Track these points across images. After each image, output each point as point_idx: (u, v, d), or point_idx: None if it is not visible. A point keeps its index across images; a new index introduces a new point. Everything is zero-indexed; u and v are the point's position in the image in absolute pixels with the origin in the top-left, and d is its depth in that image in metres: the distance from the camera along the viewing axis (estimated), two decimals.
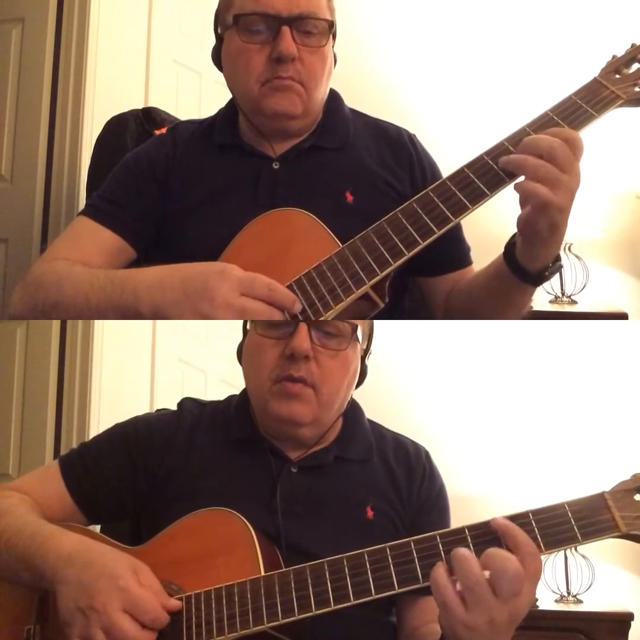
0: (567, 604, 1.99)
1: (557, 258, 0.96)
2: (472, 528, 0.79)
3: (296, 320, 0.93)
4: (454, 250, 1.16)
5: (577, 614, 1.93)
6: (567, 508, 0.78)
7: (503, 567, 0.72)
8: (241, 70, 1.06)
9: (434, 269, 1.15)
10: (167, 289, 0.91)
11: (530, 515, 0.78)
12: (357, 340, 0.99)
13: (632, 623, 1.88)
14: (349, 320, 0.96)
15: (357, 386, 1.04)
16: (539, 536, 0.77)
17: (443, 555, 0.78)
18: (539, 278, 0.96)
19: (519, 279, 0.96)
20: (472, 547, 0.77)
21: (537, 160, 0.87)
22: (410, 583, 0.79)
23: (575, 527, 0.77)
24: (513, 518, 0.78)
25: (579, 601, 2.00)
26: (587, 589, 2.00)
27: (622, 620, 1.88)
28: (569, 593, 2.00)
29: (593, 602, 1.99)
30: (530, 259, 0.94)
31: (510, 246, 0.97)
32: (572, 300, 2.32)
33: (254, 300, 0.89)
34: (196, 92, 2.47)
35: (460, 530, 0.79)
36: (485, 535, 0.77)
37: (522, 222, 0.90)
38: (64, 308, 0.98)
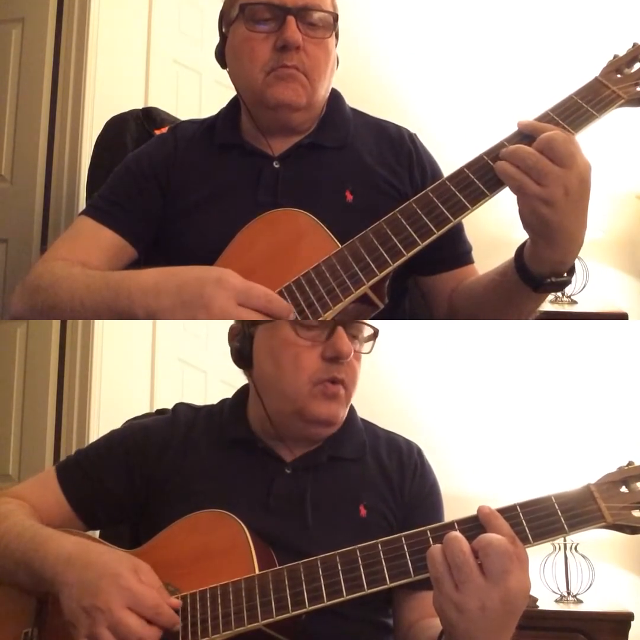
0: (567, 604, 1.99)
1: (569, 273, 0.93)
2: (462, 522, 0.80)
3: (333, 322, 0.94)
4: (453, 248, 1.15)
5: (577, 614, 1.93)
6: (554, 500, 0.80)
7: (488, 543, 0.74)
8: (246, 59, 1.06)
9: (433, 268, 1.15)
10: (162, 293, 0.90)
11: (518, 508, 0.80)
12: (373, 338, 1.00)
13: (632, 623, 1.88)
14: (369, 323, 0.98)
15: None
16: (526, 528, 0.78)
17: None
18: (540, 283, 0.93)
19: (521, 279, 0.94)
20: None
21: (528, 149, 0.86)
22: (401, 577, 0.80)
23: (562, 519, 0.78)
24: (501, 511, 0.79)
25: (579, 601, 2.00)
26: (587, 589, 2.00)
27: (622, 620, 1.88)
28: (569, 593, 2.00)
29: (593, 602, 1.99)
30: (534, 259, 0.92)
31: (524, 244, 0.95)
32: (572, 300, 2.32)
33: (250, 310, 0.88)
34: (196, 92, 2.47)
35: (450, 524, 0.81)
36: (474, 529, 0.78)
37: (519, 214, 0.89)
38: (61, 309, 0.98)
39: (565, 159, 0.85)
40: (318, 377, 0.95)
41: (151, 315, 0.90)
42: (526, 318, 1.04)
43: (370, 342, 1.00)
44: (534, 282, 0.93)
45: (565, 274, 0.93)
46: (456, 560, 0.74)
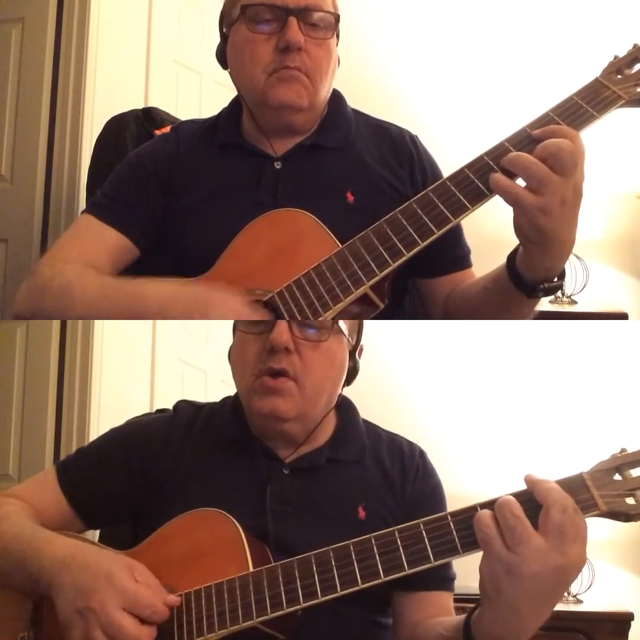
0: (567, 604, 1.99)
1: (561, 276, 0.94)
2: (454, 514, 0.80)
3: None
4: (452, 252, 1.15)
5: (577, 614, 1.94)
6: None
7: (555, 501, 0.73)
8: (247, 60, 1.06)
9: (432, 271, 1.15)
10: (176, 306, 0.93)
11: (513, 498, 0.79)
12: (341, 332, 0.98)
13: (632, 623, 1.89)
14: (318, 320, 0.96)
15: (348, 383, 1.04)
16: None
17: (427, 542, 0.80)
18: (534, 289, 0.94)
19: (514, 286, 0.95)
20: (455, 533, 0.79)
21: (530, 158, 0.86)
22: (395, 571, 0.80)
23: None
24: (495, 502, 0.77)
25: (579, 601, 2.00)
26: (587, 589, 2.00)
27: (622, 620, 1.89)
28: (569, 593, 2.00)
29: (593, 602, 1.99)
30: (527, 265, 0.93)
31: (516, 250, 0.96)
32: (572, 300, 2.33)
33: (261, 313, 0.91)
34: (196, 92, 2.47)
35: (443, 517, 0.81)
36: (467, 521, 0.78)
37: (513, 222, 0.90)
38: (72, 314, 0.99)
39: (567, 170, 0.85)
40: (258, 369, 0.95)
41: (163, 320, 0.92)
42: (519, 320, 1.04)
43: (337, 333, 0.98)
44: (527, 289, 0.94)
45: (556, 279, 0.94)
46: (508, 522, 0.73)
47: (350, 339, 1.01)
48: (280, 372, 0.94)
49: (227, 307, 0.90)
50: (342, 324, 0.98)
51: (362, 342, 1.05)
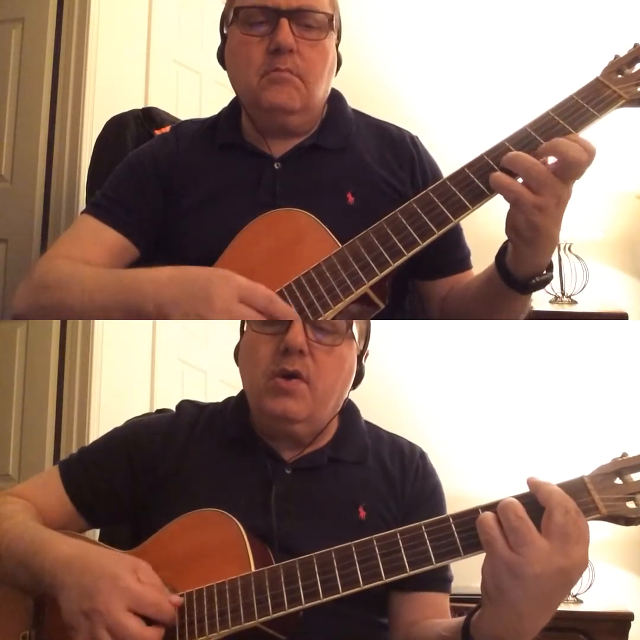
0: (567, 604, 1.99)
1: (549, 269, 0.96)
2: (456, 516, 0.80)
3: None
4: (452, 254, 1.15)
5: (577, 614, 1.93)
6: None
7: (563, 505, 0.73)
8: (241, 63, 1.07)
9: (432, 272, 1.15)
10: (172, 287, 0.92)
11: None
12: (353, 337, 0.99)
13: (632, 623, 1.89)
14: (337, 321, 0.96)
15: (354, 387, 1.04)
16: None
17: (429, 544, 0.80)
18: (526, 286, 0.95)
19: (506, 284, 0.96)
20: (456, 535, 0.79)
21: (531, 159, 0.87)
22: (397, 572, 0.80)
23: None
24: (497, 505, 0.77)
25: (579, 601, 2.00)
26: (587, 589, 2.00)
27: (622, 620, 1.88)
28: (569, 593, 2.00)
29: (593, 602, 1.99)
30: (517, 262, 0.94)
31: (503, 249, 0.97)
32: (572, 300, 2.33)
33: (250, 308, 0.89)
34: (196, 92, 2.47)
35: (445, 519, 0.81)
36: (468, 523, 0.78)
37: (506, 219, 0.91)
38: (69, 307, 0.98)
39: (569, 178, 0.87)
40: (271, 370, 0.95)
41: (159, 309, 0.91)
42: (516, 318, 1.05)
43: (350, 338, 0.98)
44: (519, 285, 0.95)
45: (545, 272, 0.95)
46: (512, 524, 0.73)
47: (358, 344, 1.01)
48: (294, 374, 0.95)
49: (230, 284, 0.89)
50: (355, 329, 0.99)
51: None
